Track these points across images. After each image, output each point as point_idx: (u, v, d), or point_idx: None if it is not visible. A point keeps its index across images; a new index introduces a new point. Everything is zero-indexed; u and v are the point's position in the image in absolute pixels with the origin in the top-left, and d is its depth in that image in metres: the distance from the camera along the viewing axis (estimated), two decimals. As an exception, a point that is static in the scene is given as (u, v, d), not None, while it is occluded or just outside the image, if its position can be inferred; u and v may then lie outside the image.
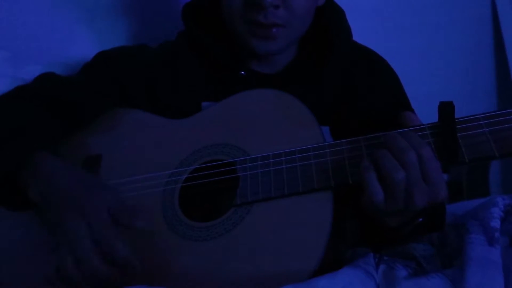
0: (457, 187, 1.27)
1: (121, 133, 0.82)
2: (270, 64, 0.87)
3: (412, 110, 0.88)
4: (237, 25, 0.80)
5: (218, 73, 0.86)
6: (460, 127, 0.63)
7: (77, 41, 1.02)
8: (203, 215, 0.70)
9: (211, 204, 0.74)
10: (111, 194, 0.67)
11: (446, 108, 0.64)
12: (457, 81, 1.39)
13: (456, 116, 0.64)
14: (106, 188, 0.69)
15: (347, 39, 0.88)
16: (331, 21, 0.87)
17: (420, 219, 0.66)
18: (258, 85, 0.81)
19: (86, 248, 0.62)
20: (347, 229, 0.76)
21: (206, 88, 0.85)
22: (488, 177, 1.40)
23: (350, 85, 0.87)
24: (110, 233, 0.63)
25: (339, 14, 0.89)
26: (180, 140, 0.77)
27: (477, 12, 1.40)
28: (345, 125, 0.84)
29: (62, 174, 0.69)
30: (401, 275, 0.62)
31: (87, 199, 0.65)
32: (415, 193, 0.60)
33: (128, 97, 0.85)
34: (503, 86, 1.43)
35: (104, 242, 0.62)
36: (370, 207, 0.63)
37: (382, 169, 0.60)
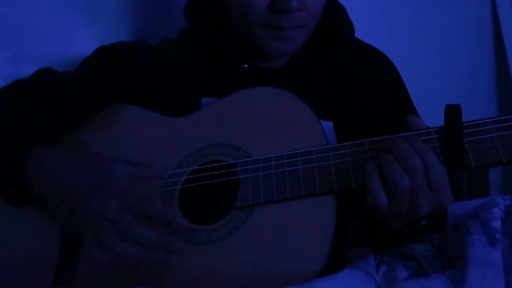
0: (457, 187, 1.26)
1: (120, 130, 0.81)
2: (273, 60, 0.87)
3: (413, 107, 0.89)
4: (253, 29, 0.79)
5: (220, 68, 0.86)
6: (467, 132, 0.61)
7: (77, 41, 1.02)
8: (203, 217, 0.70)
9: (211, 206, 0.74)
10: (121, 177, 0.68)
11: (453, 111, 0.62)
12: (457, 81, 1.39)
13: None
14: (115, 171, 0.69)
15: (349, 34, 0.88)
16: (333, 17, 0.87)
17: (424, 222, 0.66)
18: (260, 79, 0.80)
19: (109, 234, 0.63)
20: (348, 230, 0.76)
21: (207, 83, 0.85)
22: (488, 177, 1.40)
23: (353, 81, 0.87)
24: (129, 216, 0.63)
25: (341, 10, 0.89)
26: (180, 139, 0.77)
27: (477, 12, 1.40)
28: (348, 121, 0.84)
29: (67, 164, 0.69)
30: (402, 276, 0.62)
31: (99, 185, 0.66)
32: (420, 200, 0.60)
33: (128, 93, 0.85)
34: (503, 86, 1.43)
35: (126, 226, 0.63)
36: (373, 210, 0.63)
37: (386, 175, 0.60)
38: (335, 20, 0.87)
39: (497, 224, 0.63)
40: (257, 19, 0.78)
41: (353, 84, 0.87)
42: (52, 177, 0.68)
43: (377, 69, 0.90)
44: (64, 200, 0.68)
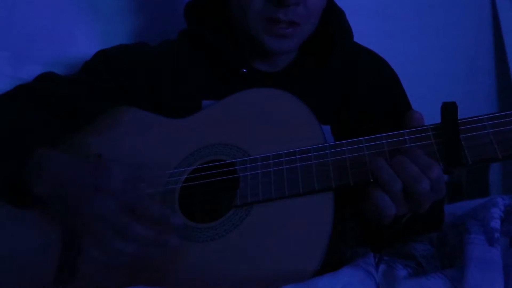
0: (457, 187, 1.27)
1: (121, 132, 0.82)
2: (272, 63, 0.87)
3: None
4: (251, 22, 0.79)
5: (219, 71, 0.86)
6: (463, 128, 0.62)
7: (77, 41, 1.02)
8: (203, 215, 0.70)
9: (211, 205, 0.74)
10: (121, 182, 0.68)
11: (449, 109, 0.63)
12: (457, 81, 1.39)
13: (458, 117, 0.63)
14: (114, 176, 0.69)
15: (348, 39, 0.88)
16: (332, 21, 0.87)
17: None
18: (259, 83, 0.81)
19: (106, 233, 0.63)
20: (347, 229, 0.76)
21: (207, 86, 0.86)
22: (488, 177, 1.40)
23: (351, 85, 0.87)
24: (126, 215, 0.64)
25: (340, 14, 0.89)
26: (180, 140, 0.77)
27: (477, 13, 1.40)
28: (346, 125, 0.84)
29: (67, 166, 0.69)
30: (401, 275, 0.62)
31: (97, 185, 0.66)
32: (425, 204, 0.61)
33: (129, 95, 0.85)
34: (503, 87, 1.43)
35: (122, 225, 0.63)
36: (374, 214, 0.63)
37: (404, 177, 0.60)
38: (334, 25, 0.87)
39: (496, 223, 0.64)
40: (256, 9, 0.78)
41: (352, 88, 0.87)
42: (51, 179, 0.69)
43: (376, 73, 0.90)
44: (62, 200, 0.68)
